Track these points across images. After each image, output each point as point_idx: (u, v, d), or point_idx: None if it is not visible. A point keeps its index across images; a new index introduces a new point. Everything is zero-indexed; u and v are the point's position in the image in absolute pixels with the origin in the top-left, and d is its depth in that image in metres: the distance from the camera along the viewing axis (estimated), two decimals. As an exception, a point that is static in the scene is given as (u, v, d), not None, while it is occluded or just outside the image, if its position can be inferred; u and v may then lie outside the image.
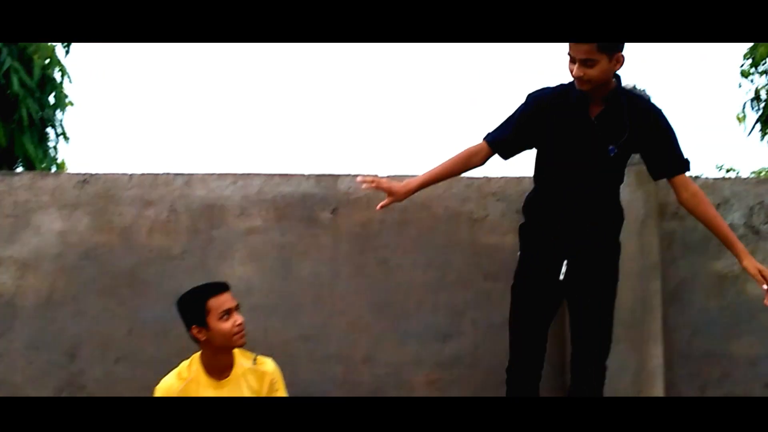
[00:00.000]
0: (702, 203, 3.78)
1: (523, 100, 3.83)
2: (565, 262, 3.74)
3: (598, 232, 3.77)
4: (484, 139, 3.84)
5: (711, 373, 4.56)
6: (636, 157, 4.37)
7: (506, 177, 4.53)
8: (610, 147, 3.69)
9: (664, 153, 3.78)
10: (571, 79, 3.67)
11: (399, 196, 3.84)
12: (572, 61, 3.60)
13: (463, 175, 4.49)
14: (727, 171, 14.43)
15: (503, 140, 3.82)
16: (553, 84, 3.81)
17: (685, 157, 3.80)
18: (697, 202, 3.78)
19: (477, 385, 4.44)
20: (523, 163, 4.99)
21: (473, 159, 3.84)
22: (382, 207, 3.86)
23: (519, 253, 3.89)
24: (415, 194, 4.45)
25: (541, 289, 3.78)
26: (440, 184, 4.44)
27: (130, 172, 4.48)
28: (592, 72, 3.57)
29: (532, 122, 3.75)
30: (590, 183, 3.73)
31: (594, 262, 3.76)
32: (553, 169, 3.77)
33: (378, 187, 3.83)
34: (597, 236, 3.77)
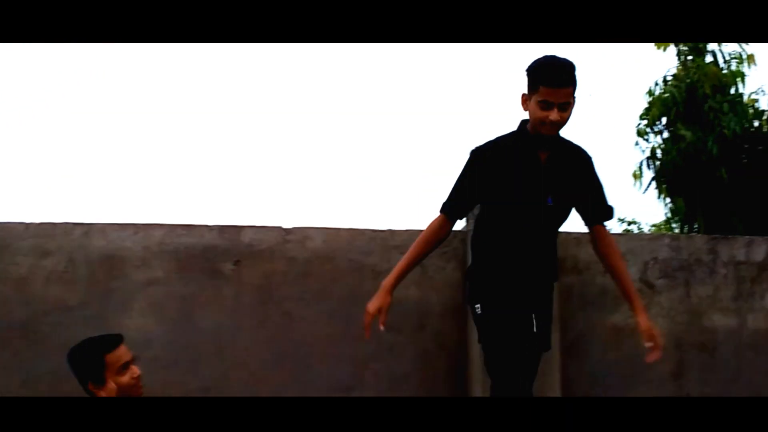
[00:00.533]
0: (615, 254, 3.76)
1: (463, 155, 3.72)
2: (533, 315, 3.57)
3: (548, 284, 3.72)
4: (441, 211, 3.71)
5: (608, 425, 4.64)
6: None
7: (410, 230, 4.57)
8: (548, 198, 3.58)
9: (596, 200, 3.72)
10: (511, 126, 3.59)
11: (387, 302, 3.71)
12: (548, 106, 3.44)
13: (367, 227, 4.55)
14: (629, 224, 14.82)
15: (459, 207, 3.70)
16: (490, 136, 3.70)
17: (610, 204, 3.76)
18: (611, 252, 3.74)
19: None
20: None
21: (439, 233, 3.71)
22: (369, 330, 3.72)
23: (480, 309, 3.61)
24: (319, 247, 4.49)
25: (526, 347, 3.56)
26: (343, 236, 4.48)
27: (27, 221, 4.39)
28: (567, 115, 3.48)
29: (480, 177, 3.61)
30: (541, 231, 3.65)
31: (548, 315, 3.70)
32: (505, 217, 3.61)
33: (373, 317, 3.71)
34: (548, 288, 3.72)
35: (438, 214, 3.71)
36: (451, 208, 3.69)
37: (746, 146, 8.46)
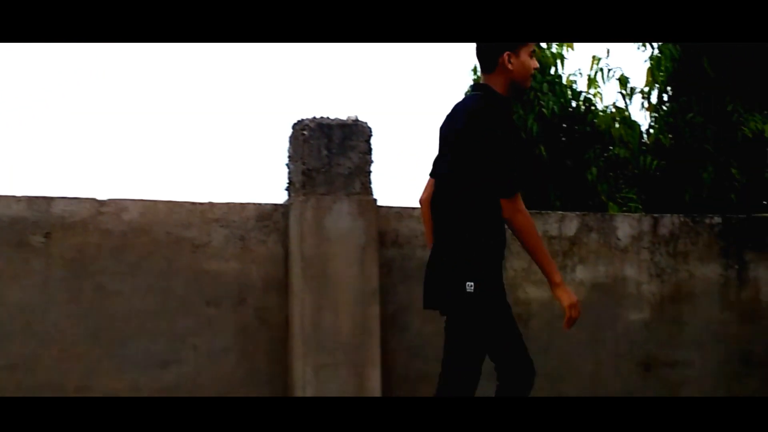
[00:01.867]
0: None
1: None
2: None
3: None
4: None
5: (427, 394, 4.72)
6: (358, 186, 4.50)
7: (230, 203, 4.50)
8: None
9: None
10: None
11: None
12: (533, 54, 3.53)
13: (186, 199, 4.45)
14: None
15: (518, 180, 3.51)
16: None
17: None
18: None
19: (198, 413, 4.37)
20: (247, 191, 4.93)
21: None
22: None
23: (472, 287, 3.41)
24: (135, 219, 4.36)
25: (515, 328, 3.57)
26: (161, 208, 4.37)
27: None
28: None
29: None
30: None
31: None
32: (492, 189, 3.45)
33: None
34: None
35: (517, 198, 3.45)
36: (518, 186, 3.47)
37: (564, 125, 8.74)
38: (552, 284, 3.52)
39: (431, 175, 3.66)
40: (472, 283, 3.41)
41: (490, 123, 3.40)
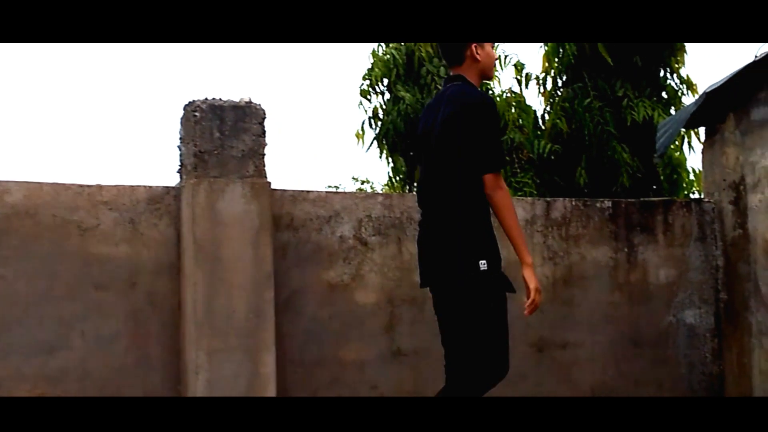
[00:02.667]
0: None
1: None
2: None
3: None
4: (498, 170, 3.69)
5: (322, 378, 4.71)
6: (251, 169, 4.44)
7: (119, 185, 4.39)
8: None
9: None
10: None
11: None
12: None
13: (73, 182, 4.33)
14: (362, 183, 15.18)
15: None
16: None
17: None
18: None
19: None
20: (138, 173, 4.82)
21: None
22: None
23: (485, 265, 3.55)
24: (19, 202, 4.22)
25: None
26: (46, 190, 4.25)
27: None
28: None
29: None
30: None
31: None
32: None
33: None
34: None
35: (496, 174, 3.62)
36: (503, 163, 3.75)
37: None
38: (523, 264, 3.64)
39: (418, 161, 3.88)
40: (485, 261, 3.56)
41: (487, 110, 3.63)
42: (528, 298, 3.63)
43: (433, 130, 3.70)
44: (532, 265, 3.66)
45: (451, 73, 3.80)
